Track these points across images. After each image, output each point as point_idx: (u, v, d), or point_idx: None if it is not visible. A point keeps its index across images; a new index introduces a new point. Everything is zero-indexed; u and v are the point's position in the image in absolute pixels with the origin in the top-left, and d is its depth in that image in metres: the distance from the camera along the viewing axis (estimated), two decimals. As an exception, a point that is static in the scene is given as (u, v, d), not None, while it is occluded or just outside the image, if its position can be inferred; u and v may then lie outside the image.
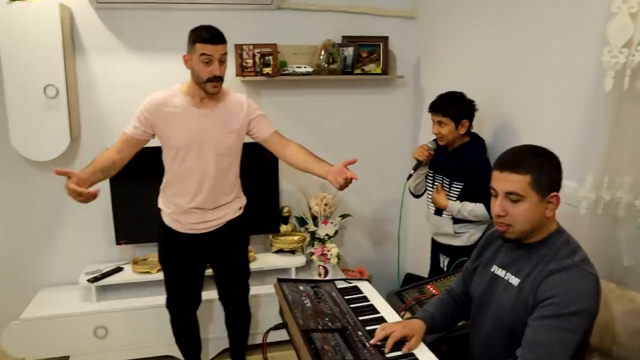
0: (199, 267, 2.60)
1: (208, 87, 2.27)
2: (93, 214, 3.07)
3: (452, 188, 2.55)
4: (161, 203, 2.50)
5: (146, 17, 3.00)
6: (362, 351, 1.53)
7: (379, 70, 3.30)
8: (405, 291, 2.37)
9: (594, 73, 1.92)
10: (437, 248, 2.72)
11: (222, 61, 2.27)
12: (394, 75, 3.38)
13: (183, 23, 3.01)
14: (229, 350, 2.87)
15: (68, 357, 2.89)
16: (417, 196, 2.81)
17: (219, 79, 2.27)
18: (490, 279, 1.64)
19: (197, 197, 2.40)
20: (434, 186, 2.65)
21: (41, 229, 3.11)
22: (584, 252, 1.50)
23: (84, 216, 3.09)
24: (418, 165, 2.63)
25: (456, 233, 2.56)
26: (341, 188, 2.28)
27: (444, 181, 2.59)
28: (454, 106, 2.45)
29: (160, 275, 2.68)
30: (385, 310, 1.87)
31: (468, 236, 2.55)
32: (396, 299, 2.32)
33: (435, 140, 2.62)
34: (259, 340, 2.96)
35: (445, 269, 2.65)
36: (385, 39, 3.29)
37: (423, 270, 2.93)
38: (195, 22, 3.06)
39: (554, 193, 1.49)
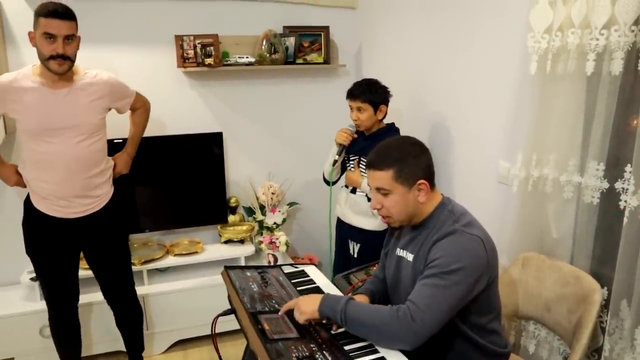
0: (72, 257, 2.43)
1: (51, 65, 2.11)
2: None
3: None
4: (26, 181, 2.35)
5: (79, 6, 2.91)
6: (309, 329, 1.58)
7: (321, 60, 3.34)
8: (352, 273, 2.44)
9: (520, 58, 2.03)
10: (346, 234, 2.76)
11: (69, 40, 2.12)
12: (336, 65, 3.43)
13: (120, 13, 2.97)
14: (126, 349, 2.75)
15: (12, 358, 2.81)
16: (333, 183, 2.82)
17: (64, 58, 2.11)
18: (397, 261, 1.74)
19: (63, 185, 2.26)
20: (349, 166, 2.71)
21: (-22, 229, 3.00)
22: (469, 217, 1.61)
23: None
24: (342, 149, 2.67)
25: (373, 213, 2.55)
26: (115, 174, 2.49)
27: (361, 160, 2.65)
28: (372, 92, 2.53)
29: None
30: (332, 291, 1.92)
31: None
32: (343, 282, 2.38)
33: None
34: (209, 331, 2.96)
35: (355, 256, 2.71)
36: (326, 29, 3.33)
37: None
38: (132, 12, 3.01)
39: (421, 181, 1.59)
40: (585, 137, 1.82)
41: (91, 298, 2.78)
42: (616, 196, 1.71)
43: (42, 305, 2.80)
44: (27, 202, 2.36)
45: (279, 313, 1.63)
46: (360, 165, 2.65)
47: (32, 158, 2.26)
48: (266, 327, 1.55)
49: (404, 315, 1.44)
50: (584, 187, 1.82)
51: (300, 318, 1.56)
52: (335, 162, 2.70)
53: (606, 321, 1.77)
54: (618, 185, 1.70)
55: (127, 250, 2.58)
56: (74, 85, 2.23)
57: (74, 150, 2.24)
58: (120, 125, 2.63)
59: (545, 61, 1.83)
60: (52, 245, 2.35)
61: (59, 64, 2.12)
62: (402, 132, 2.75)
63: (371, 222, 2.62)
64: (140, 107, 2.57)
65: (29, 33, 2.15)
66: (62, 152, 2.23)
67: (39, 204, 2.32)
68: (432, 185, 1.63)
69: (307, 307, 1.56)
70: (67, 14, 2.11)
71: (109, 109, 2.40)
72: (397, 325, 1.44)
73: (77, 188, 2.30)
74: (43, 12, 2.07)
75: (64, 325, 2.53)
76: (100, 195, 2.39)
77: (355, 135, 2.66)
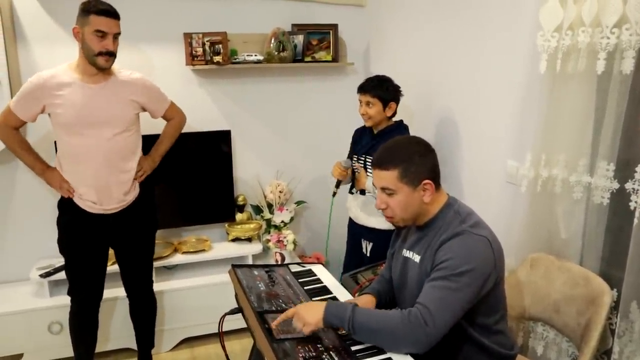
0: (103, 254, 2.50)
1: (99, 61, 2.21)
2: (42, 206, 3.00)
3: None
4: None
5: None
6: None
7: (329, 58, 3.33)
8: (360, 273, 2.44)
9: (530, 56, 2.01)
10: (359, 233, 2.77)
11: (116, 38, 2.24)
12: (345, 63, 3.42)
13: (129, 11, 2.97)
14: (137, 344, 2.79)
15: (22, 354, 2.84)
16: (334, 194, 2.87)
17: (111, 54, 2.23)
18: (403, 262, 1.73)
19: (100, 177, 2.32)
20: (355, 165, 2.74)
21: (-12, 225, 3.02)
22: (475, 218, 1.60)
23: (33, 209, 3.02)
24: (339, 183, 2.75)
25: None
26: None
27: (367, 159, 2.65)
28: (382, 88, 2.54)
29: (115, 268, 2.65)
30: (338, 291, 1.92)
31: None
32: (351, 281, 2.38)
33: (349, 159, 2.75)
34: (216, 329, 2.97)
35: (368, 255, 2.72)
36: (334, 27, 3.32)
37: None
38: (141, 10, 3.02)
39: (426, 181, 1.58)
40: (595, 137, 1.80)
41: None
42: (626, 197, 1.69)
43: (51, 302, 2.83)
44: (63, 200, 2.41)
45: (273, 324, 1.55)
46: (367, 166, 2.65)
47: (69, 152, 2.34)
48: (273, 326, 1.55)
49: (415, 318, 1.43)
50: (594, 188, 1.80)
51: (305, 330, 1.51)
52: (334, 194, 2.80)
53: (616, 323, 1.75)
54: (628, 185, 1.68)
55: (154, 244, 2.65)
56: (110, 80, 2.32)
57: (110, 143, 2.32)
58: (153, 122, 2.65)
59: (555, 60, 1.81)
60: (86, 241, 2.42)
61: (106, 60, 2.22)
62: (410, 130, 2.74)
63: (382, 222, 2.61)
64: (174, 119, 2.61)
65: (74, 29, 2.22)
66: (98, 144, 2.30)
67: (76, 199, 2.37)
68: (437, 185, 1.63)
69: (310, 318, 1.50)
70: (116, 13, 2.24)
71: (143, 109, 2.47)
72: (410, 330, 1.43)
73: (113, 181, 2.36)
74: (94, 10, 2.16)
75: (84, 322, 2.58)
76: (133, 190, 2.45)
77: (349, 172, 2.72)
